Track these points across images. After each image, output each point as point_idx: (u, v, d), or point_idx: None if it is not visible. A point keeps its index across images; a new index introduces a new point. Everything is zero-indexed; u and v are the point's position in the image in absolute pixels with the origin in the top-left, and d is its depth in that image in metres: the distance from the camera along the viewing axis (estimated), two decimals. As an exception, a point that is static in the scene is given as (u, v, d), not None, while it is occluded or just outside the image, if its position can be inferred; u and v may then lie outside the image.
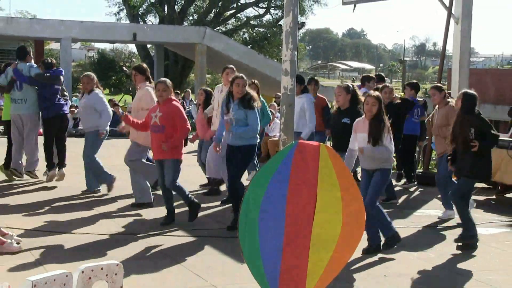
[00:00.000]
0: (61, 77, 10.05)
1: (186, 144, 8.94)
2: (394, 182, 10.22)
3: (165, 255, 6.36)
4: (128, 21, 36.61)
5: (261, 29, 40.77)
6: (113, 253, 6.31)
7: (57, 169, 9.91)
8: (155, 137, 7.44)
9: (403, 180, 10.85)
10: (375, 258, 6.49)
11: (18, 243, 6.36)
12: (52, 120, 9.77)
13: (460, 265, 6.42)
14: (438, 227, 7.99)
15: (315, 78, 12.30)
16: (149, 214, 8.06)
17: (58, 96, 9.86)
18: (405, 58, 71.11)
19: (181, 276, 5.74)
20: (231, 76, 8.96)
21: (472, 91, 7.08)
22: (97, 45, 57.24)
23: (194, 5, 39.71)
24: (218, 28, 37.20)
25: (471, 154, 6.86)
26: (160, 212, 7.89)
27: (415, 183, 10.70)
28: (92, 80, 9.27)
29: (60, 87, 9.96)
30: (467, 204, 7.10)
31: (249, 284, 5.09)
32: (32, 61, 10.05)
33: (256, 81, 9.17)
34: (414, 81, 12.01)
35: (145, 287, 5.37)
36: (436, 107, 8.69)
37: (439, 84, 9.27)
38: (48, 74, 9.70)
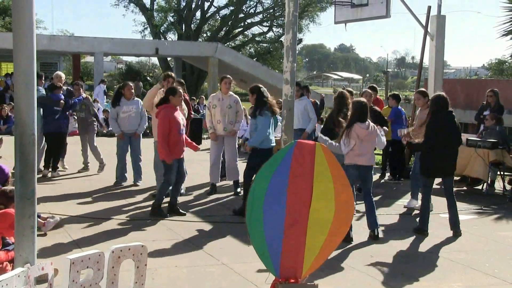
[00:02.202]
0: (62, 101, 9.84)
1: (200, 142, 8.96)
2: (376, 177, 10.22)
3: (183, 238, 6.36)
4: (151, 38, 36.63)
5: (265, 45, 40.74)
6: (139, 236, 6.31)
7: (49, 171, 9.98)
8: (182, 138, 7.27)
9: (387, 176, 10.76)
10: (364, 241, 6.48)
11: (53, 218, 6.45)
12: (48, 135, 9.83)
13: (434, 246, 6.40)
14: (414, 214, 7.97)
15: (307, 86, 12.61)
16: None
17: (57, 115, 9.79)
18: (388, 70, 70.64)
19: (196, 255, 5.73)
20: (229, 86, 8.74)
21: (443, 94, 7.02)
22: (125, 58, 57.27)
23: (207, 24, 39.73)
24: (228, 43, 37.18)
25: (452, 155, 6.85)
26: (181, 200, 7.88)
27: (402, 179, 10.62)
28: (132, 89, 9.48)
29: (60, 108, 9.83)
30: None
31: (254, 263, 5.09)
32: (43, 84, 10.32)
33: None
34: (396, 92, 11.89)
35: (166, 264, 5.37)
36: (419, 109, 8.55)
37: (424, 90, 9.13)
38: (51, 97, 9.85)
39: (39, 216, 6.29)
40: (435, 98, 6.95)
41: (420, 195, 8.18)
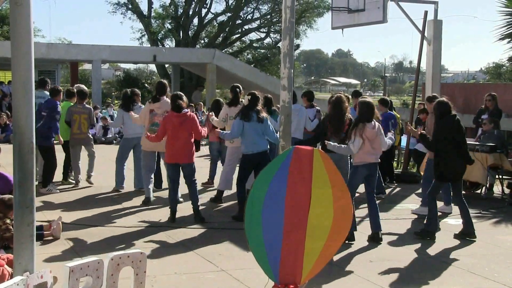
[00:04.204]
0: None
1: (198, 149, 8.93)
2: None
3: (181, 244, 6.36)
4: (149, 45, 36.64)
5: (263, 51, 40.77)
6: (137, 243, 6.31)
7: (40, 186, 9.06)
8: (174, 143, 7.44)
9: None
10: (363, 245, 6.48)
11: (52, 222, 6.50)
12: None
13: (434, 251, 6.41)
14: (415, 219, 7.97)
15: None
16: (168, 210, 8.04)
17: (41, 124, 8.83)
18: (385, 74, 70.93)
19: (195, 262, 5.73)
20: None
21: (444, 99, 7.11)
22: (123, 65, 57.31)
23: (205, 30, 39.74)
24: (225, 49, 37.20)
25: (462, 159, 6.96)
26: (180, 206, 7.87)
27: (394, 182, 10.65)
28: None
29: (45, 113, 8.98)
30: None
31: (254, 269, 5.09)
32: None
33: (269, 96, 9.10)
34: (385, 97, 11.65)
35: (165, 271, 5.36)
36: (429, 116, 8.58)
37: (433, 95, 9.11)
38: None
39: (41, 229, 6.32)
40: (437, 104, 7.02)
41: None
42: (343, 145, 6.72)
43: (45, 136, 8.95)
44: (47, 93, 9.66)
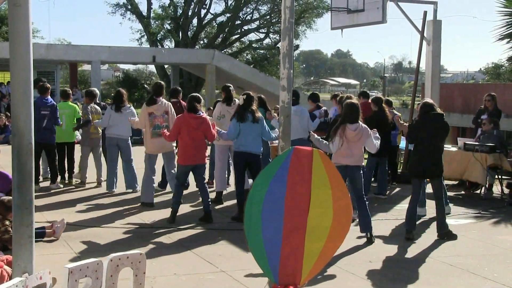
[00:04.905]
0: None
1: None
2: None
3: (181, 245, 6.35)
4: (148, 46, 36.67)
5: (262, 51, 40.82)
6: (137, 244, 6.30)
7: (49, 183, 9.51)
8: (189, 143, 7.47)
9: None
10: (362, 245, 6.48)
11: (56, 222, 6.48)
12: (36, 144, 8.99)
13: (434, 252, 6.40)
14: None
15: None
16: (167, 211, 8.03)
17: (44, 123, 9.10)
18: (385, 75, 70.79)
19: (195, 263, 5.72)
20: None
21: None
22: (122, 66, 57.38)
23: (204, 31, 39.79)
24: (225, 50, 37.23)
25: (436, 156, 6.92)
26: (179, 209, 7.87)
27: (394, 183, 10.65)
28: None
29: (47, 112, 9.17)
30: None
31: (253, 270, 5.08)
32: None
33: (263, 96, 9.12)
34: (388, 98, 11.75)
35: (164, 272, 5.36)
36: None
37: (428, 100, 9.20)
38: None
39: (43, 228, 6.32)
40: (421, 104, 7.11)
41: (426, 203, 8.21)
42: (325, 141, 6.76)
43: (53, 133, 9.36)
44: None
